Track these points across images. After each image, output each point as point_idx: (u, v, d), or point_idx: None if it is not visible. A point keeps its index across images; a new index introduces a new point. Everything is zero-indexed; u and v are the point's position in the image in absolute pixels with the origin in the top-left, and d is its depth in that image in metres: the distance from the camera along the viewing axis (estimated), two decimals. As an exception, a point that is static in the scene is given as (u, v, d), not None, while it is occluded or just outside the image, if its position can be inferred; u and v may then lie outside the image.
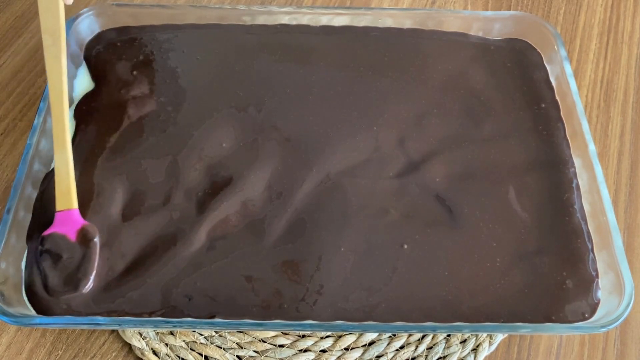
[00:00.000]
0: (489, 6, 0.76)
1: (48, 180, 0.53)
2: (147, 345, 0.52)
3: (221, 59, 0.61)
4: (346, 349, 0.53)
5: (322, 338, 0.53)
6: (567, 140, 0.57)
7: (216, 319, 0.47)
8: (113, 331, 0.53)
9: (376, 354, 0.52)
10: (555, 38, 0.61)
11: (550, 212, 0.53)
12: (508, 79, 0.61)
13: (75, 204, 0.50)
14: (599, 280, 0.49)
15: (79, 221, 0.50)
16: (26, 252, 0.50)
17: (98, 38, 0.62)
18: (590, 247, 0.51)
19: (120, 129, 0.56)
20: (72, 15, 0.61)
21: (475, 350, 0.52)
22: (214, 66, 0.61)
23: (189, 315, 0.47)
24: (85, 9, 0.61)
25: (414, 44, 0.63)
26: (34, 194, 0.52)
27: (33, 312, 0.47)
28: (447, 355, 0.52)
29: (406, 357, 0.52)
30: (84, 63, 0.61)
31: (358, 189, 0.53)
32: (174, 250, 0.49)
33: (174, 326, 0.46)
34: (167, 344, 0.52)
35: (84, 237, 0.49)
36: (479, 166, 0.55)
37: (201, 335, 0.52)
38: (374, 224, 0.52)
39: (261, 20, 0.64)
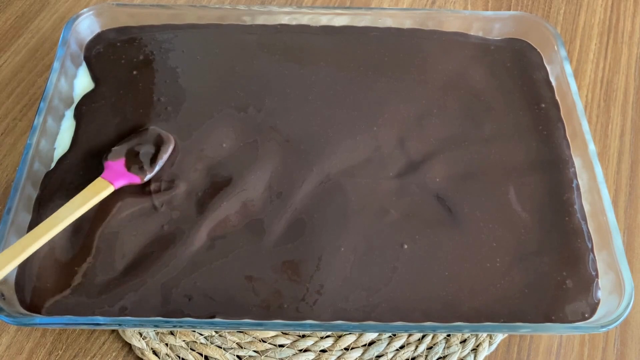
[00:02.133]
0: (489, 6, 0.76)
1: (48, 180, 0.53)
2: (147, 345, 0.52)
3: (221, 59, 0.61)
4: (346, 349, 0.52)
5: (322, 338, 0.53)
6: (567, 140, 0.57)
7: (216, 319, 0.47)
8: (113, 331, 0.53)
9: (376, 354, 0.52)
10: (555, 38, 0.61)
11: (550, 212, 0.53)
12: (508, 79, 0.61)
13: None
14: (599, 280, 0.49)
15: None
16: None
17: (98, 38, 0.62)
18: (590, 247, 0.51)
19: (120, 129, 0.56)
20: (72, 15, 0.61)
21: (475, 350, 0.52)
22: (213, 66, 0.61)
23: (189, 315, 0.47)
24: (85, 9, 0.61)
25: (414, 44, 0.63)
26: (34, 194, 0.52)
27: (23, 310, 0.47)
28: (447, 355, 0.52)
29: (406, 357, 0.52)
30: (84, 63, 0.61)
31: (358, 189, 0.53)
32: (174, 250, 0.49)
33: (174, 326, 0.46)
34: (167, 344, 0.52)
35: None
36: (479, 166, 0.55)
37: (201, 335, 0.52)
38: (374, 224, 0.52)
39: (261, 20, 0.64)
